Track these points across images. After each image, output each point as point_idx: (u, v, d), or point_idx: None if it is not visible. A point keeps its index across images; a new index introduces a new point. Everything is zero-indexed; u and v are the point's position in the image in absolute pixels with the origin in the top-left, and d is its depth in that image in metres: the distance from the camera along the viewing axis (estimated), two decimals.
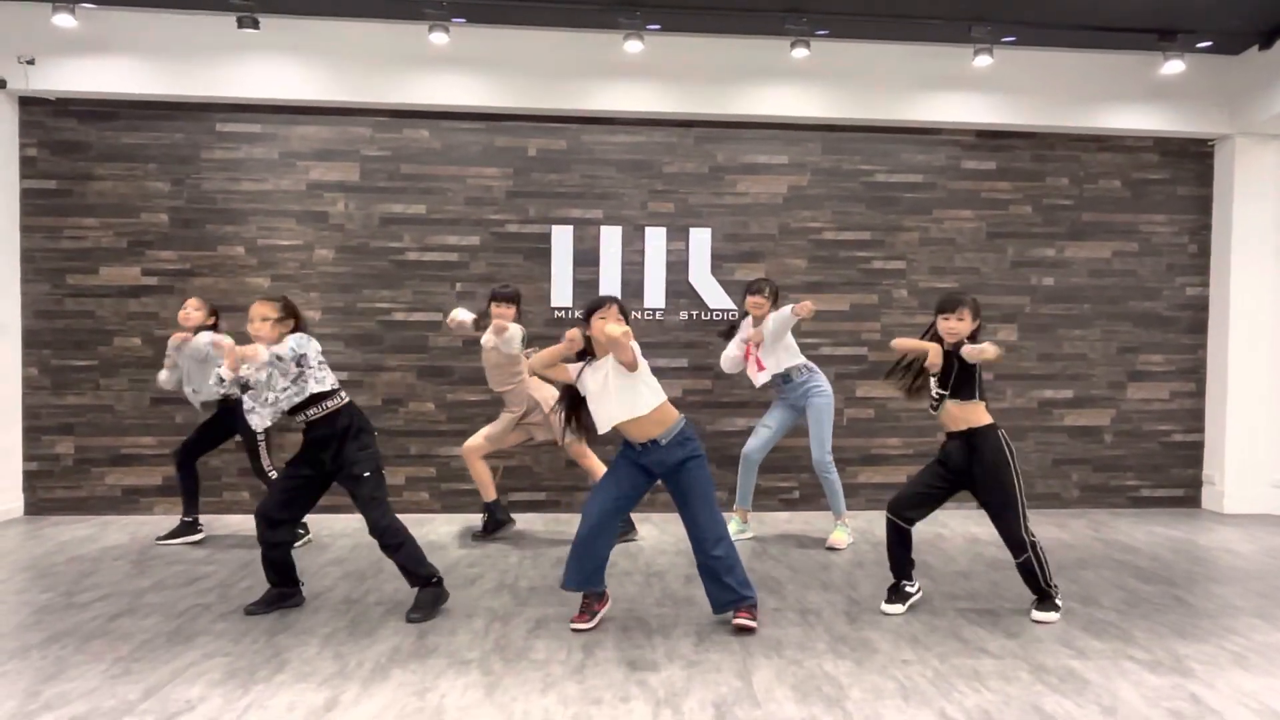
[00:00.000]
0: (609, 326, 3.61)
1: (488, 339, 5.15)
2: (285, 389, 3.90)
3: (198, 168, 6.22)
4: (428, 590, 4.05)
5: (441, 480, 6.38)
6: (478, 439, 5.50)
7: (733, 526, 5.39)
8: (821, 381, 5.39)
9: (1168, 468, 6.91)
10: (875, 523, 6.19)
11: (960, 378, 4.00)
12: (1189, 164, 6.89)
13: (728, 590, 3.82)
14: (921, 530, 5.93)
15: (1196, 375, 6.93)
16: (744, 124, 6.54)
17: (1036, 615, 4.06)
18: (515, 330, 5.08)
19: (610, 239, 6.47)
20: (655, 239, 6.51)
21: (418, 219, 6.37)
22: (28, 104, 6.12)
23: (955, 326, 4.01)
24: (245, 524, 5.87)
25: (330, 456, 3.98)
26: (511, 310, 5.22)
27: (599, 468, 5.38)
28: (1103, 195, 6.83)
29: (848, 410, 6.60)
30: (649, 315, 6.46)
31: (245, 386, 3.93)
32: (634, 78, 6.29)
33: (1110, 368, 6.85)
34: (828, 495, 5.51)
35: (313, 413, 3.96)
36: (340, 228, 6.32)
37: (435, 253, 6.38)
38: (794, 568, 4.96)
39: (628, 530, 5.54)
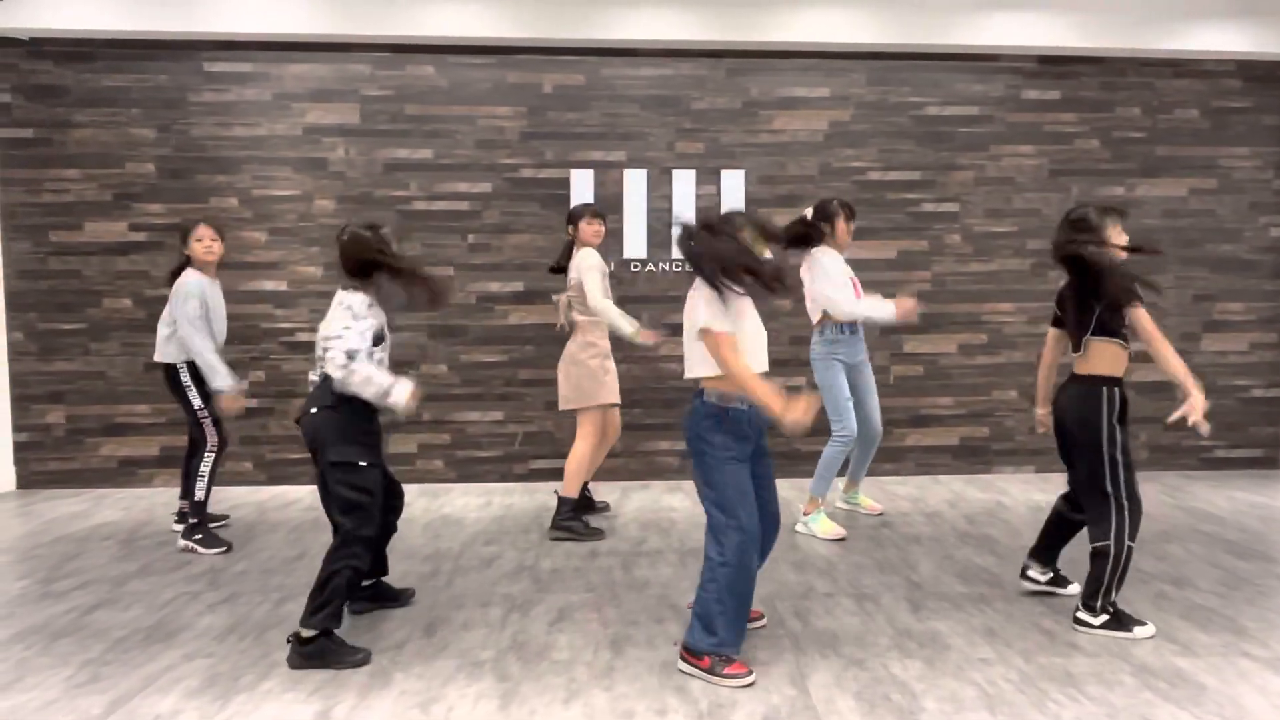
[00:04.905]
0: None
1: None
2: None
3: (185, 112, 5.72)
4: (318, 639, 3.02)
5: (456, 447, 5.95)
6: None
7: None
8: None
9: (1245, 426, 6.32)
10: (927, 489, 5.71)
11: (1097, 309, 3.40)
12: (1275, 89, 6.19)
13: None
14: (978, 499, 5.45)
15: (1279, 325, 6.32)
16: (780, 53, 5.91)
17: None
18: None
19: (635, 183, 5.92)
20: (684, 183, 5.95)
21: (425, 164, 5.84)
22: (0, 45, 5.63)
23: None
24: (247, 496, 5.48)
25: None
26: (603, 227, 4.77)
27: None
28: (1179, 126, 6.16)
29: (894, 368, 6.07)
30: (676, 268, 5.93)
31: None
32: (658, 3, 5.67)
33: (1184, 317, 6.24)
34: (862, 460, 4.98)
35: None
36: (341, 175, 5.81)
37: (444, 201, 5.86)
38: (844, 545, 4.48)
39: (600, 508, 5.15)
